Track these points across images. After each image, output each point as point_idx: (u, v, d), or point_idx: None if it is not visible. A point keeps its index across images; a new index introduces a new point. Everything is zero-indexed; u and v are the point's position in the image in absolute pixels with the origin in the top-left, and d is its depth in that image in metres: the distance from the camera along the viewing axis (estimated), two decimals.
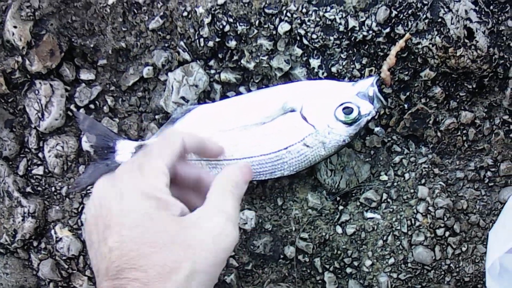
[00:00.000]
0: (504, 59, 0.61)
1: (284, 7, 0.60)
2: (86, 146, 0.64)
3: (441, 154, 0.64)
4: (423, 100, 0.63)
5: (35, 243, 0.66)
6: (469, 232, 0.64)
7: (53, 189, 0.66)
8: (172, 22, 0.64)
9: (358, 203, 0.63)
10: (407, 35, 0.60)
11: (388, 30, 0.60)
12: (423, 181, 0.63)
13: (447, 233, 0.62)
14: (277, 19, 0.61)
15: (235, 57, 0.63)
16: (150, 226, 0.38)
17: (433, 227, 0.62)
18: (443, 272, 0.62)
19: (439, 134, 0.64)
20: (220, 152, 0.49)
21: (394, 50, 0.59)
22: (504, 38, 0.61)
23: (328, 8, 0.60)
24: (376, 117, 0.63)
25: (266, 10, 0.61)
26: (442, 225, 0.62)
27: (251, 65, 0.63)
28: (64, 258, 0.65)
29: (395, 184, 0.63)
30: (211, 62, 0.64)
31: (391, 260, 0.62)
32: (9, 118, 0.67)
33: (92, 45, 0.65)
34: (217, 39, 0.62)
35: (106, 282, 0.38)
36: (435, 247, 0.62)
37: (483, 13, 0.60)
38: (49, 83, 0.65)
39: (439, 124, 0.63)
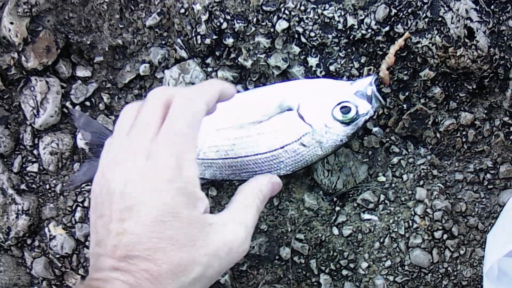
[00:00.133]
0: (505, 59, 0.60)
1: (282, 5, 0.60)
2: (81, 143, 0.64)
3: (440, 156, 0.63)
4: (422, 101, 0.62)
5: (28, 241, 0.66)
6: (468, 235, 0.63)
7: (47, 186, 0.66)
8: (169, 19, 0.63)
9: (355, 204, 0.63)
10: (407, 34, 0.59)
11: (387, 28, 0.59)
12: (421, 182, 0.62)
13: (445, 236, 0.61)
14: (275, 17, 0.60)
15: (232, 55, 0.62)
16: (176, 223, 0.38)
17: (431, 229, 0.61)
18: (440, 276, 0.61)
19: (438, 135, 0.63)
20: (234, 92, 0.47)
21: (393, 49, 0.59)
22: (505, 38, 0.60)
23: (327, 6, 0.59)
24: (374, 117, 0.62)
25: (264, 8, 0.60)
26: (440, 227, 0.61)
27: (248, 63, 0.62)
28: (57, 256, 0.65)
29: (393, 185, 0.62)
30: (208, 60, 0.63)
31: (388, 263, 0.61)
32: (5, 114, 0.66)
33: (88, 42, 0.65)
34: (214, 37, 0.61)
35: (111, 259, 0.38)
36: (432, 250, 0.61)
37: (484, 12, 0.59)
38: (45, 80, 0.64)
39: (438, 125, 0.63)
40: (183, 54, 0.63)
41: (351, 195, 0.63)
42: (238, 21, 0.61)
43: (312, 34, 0.60)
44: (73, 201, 0.65)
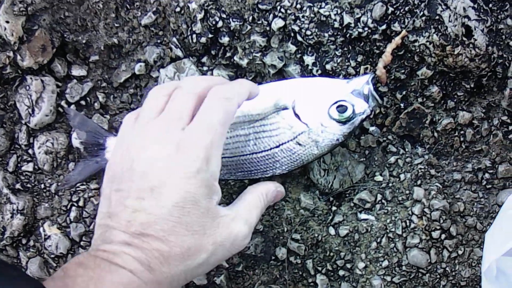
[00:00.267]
0: (503, 58, 0.60)
1: (278, 3, 0.59)
2: (76, 142, 0.63)
3: (438, 155, 0.63)
4: (419, 100, 0.62)
5: (23, 241, 0.65)
6: (466, 235, 0.62)
7: (42, 186, 0.65)
8: (165, 18, 0.63)
9: (352, 204, 0.62)
10: (403, 32, 0.58)
11: (384, 27, 0.59)
12: (419, 182, 0.62)
13: (443, 236, 0.60)
14: (271, 15, 0.60)
15: (228, 54, 0.62)
16: (194, 211, 0.40)
17: (429, 229, 0.60)
18: (438, 276, 0.61)
19: (436, 134, 0.62)
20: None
21: (390, 47, 0.58)
22: (503, 36, 0.60)
23: (323, 4, 0.59)
24: (371, 116, 0.61)
25: (260, 6, 0.60)
26: (438, 227, 0.60)
27: (244, 62, 0.61)
28: (52, 256, 0.64)
29: (390, 185, 0.62)
30: (204, 59, 0.63)
31: (385, 263, 0.61)
32: (0, 114, 0.66)
33: (84, 41, 0.64)
34: (210, 35, 0.61)
35: (124, 234, 0.39)
36: (430, 250, 0.60)
37: (481, 10, 0.59)
38: (40, 79, 0.64)
39: (436, 124, 0.62)
40: (179, 53, 0.63)
41: (347, 195, 0.62)
42: (234, 20, 0.60)
43: (308, 32, 0.59)
44: (68, 201, 0.65)
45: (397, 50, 0.59)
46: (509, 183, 0.63)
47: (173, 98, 0.45)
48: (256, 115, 0.56)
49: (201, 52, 0.63)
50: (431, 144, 0.62)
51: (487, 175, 0.63)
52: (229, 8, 0.60)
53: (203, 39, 0.61)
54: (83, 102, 0.65)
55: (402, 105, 0.62)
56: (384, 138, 0.62)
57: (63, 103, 0.65)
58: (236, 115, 0.56)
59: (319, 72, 0.61)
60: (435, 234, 0.60)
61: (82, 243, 0.64)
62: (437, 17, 0.58)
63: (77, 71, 0.65)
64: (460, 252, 0.61)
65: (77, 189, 0.65)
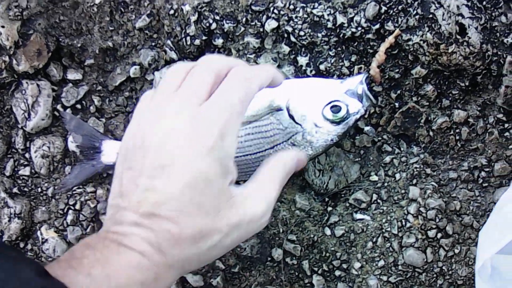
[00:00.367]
0: (497, 55, 0.60)
1: (271, 4, 0.59)
2: (72, 146, 0.64)
3: (433, 154, 0.63)
4: (414, 99, 0.61)
5: (21, 245, 0.66)
6: (462, 234, 0.62)
7: (39, 189, 0.66)
8: (159, 21, 0.63)
9: (347, 204, 0.62)
10: (397, 31, 0.58)
11: (377, 26, 0.59)
12: (414, 181, 0.62)
13: (439, 235, 0.60)
14: (264, 16, 0.60)
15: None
16: (207, 191, 0.38)
17: (425, 228, 0.60)
18: (435, 275, 0.61)
19: (431, 133, 0.62)
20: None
21: (384, 46, 0.58)
22: (498, 34, 0.60)
23: (316, 4, 0.59)
24: (365, 115, 0.61)
25: (253, 7, 0.60)
26: (434, 226, 0.60)
27: None
28: (49, 259, 0.65)
29: (386, 184, 0.62)
30: None
31: (381, 263, 0.61)
32: None
33: (79, 45, 0.65)
34: (204, 37, 0.61)
35: (134, 214, 0.37)
36: (426, 249, 0.60)
37: (475, 8, 0.59)
38: (36, 83, 0.64)
39: (431, 123, 0.62)
40: (173, 55, 0.63)
41: (343, 195, 0.62)
42: (227, 22, 0.60)
43: (302, 33, 0.59)
44: (64, 204, 0.65)
45: (391, 49, 0.59)
46: (505, 181, 0.62)
47: (191, 74, 0.42)
48: (250, 117, 0.56)
49: (195, 54, 0.63)
50: (427, 143, 0.62)
51: (483, 174, 0.62)
52: (223, 10, 0.61)
53: (197, 41, 0.61)
54: (78, 106, 0.65)
55: (396, 104, 0.62)
56: (379, 138, 0.62)
57: (59, 107, 0.65)
58: None
59: (313, 72, 0.61)
60: (431, 233, 0.60)
61: None
62: (430, 16, 0.58)
63: (72, 75, 0.65)
64: (456, 251, 0.61)
65: (74, 192, 0.65)
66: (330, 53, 0.60)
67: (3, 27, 0.62)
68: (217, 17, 0.61)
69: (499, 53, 0.60)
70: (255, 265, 0.63)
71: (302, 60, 0.61)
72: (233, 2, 0.60)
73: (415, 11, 0.58)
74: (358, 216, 0.61)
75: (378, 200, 0.61)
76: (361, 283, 0.61)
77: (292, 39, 0.60)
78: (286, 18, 0.59)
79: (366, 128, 0.62)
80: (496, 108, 0.62)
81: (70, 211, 0.65)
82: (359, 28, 0.59)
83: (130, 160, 0.40)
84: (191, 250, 0.38)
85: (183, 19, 0.62)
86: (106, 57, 0.65)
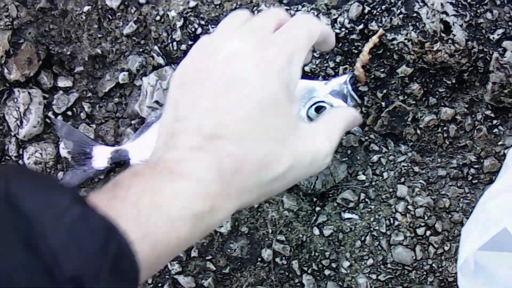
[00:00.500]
0: (484, 52, 0.60)
1: (255, 8, 0.60)
2: (64, 152, 0.65)
3: (422, 152, 0.63)
4: (400, 98, 0.62)
5: None
6: (452, 231, 0.62)
7: None
8: (146, 27, 0.64)
9: (335, 204, 0.62)
10: (380, 31, 0.58)
11: (361, 26, 0.59)
12: (402, 180, 0.62)
13: (428, 232, 0.60)
14: None
15: None
16: (274, 114, 0.36)
17: (413, 226, 0.60)
18: (425, 272, 0.61)
19: (418, 131, 0.62)
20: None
21: (367, 46, 0.58)
22: (484, 31, 0.60)
23: (300, 6, 0.59)
24: None
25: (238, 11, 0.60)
26: (423, 224, 0.60)
27: None
28: None
29: (373, 183, 0.62)
30: None
31: (370, 261, 0.61)
32: None
33: (69, 53, 0.66)
34: (190, 42, 0.62)
35: (193, 137, 0.34)
36: (415, 246, 0.60)
37: (460, 6, 0.59)
38: (27, 91, 0.65)
39: (418, 121, 0.62)
40: (160, 61, 0.64)
41: (331, 195, 0.63)
42: (213, 26, 0.61)
43: None
44: None
45: (375, 49, 0.59)
46: (495, 177, 0.62)
47: (253, 18, 0.40)
48: None
49: (182, 59, 0.63)
50: (414, 142, 0.63)
51: (472, 170, 0.62)
52: (208, 14, 0.61)
53: (183, 46, 0.62)
54: (69, 113, 0.66)
55: (383, 103, 0.62)
56: (366, 137, 0.63)
57: (50, 114, 0.66)
58: None
59: None
60: (420, 231, 0.60)
61: None
62: (414, 15, 0.58)
63: (63, 83, 0.66)
64: (446, 248, 0.61)
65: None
66: (315, 54, 0.60)
67: None
68: (203, 22, 0.61)
69: (485, 50, 0.60)
70: (245, 266, 0.63)
71: None
72: (217, 7, 0.61)
73: (399, 11, 0.58)
74: (346, 215, 0.62)
75: (366, 199, 0.62)
76: (350, 281, 0.61)
77: None
78: None
79: (353, 128, 0.62)
80: (483, 104, 0.62)
81: None
82: (343, 29, 0.59)
83: (190, 85, 0.37)
84: (252, 179, 0.35)
85: (169, 24, 0.62)
86: (95, 64, 0.66)
